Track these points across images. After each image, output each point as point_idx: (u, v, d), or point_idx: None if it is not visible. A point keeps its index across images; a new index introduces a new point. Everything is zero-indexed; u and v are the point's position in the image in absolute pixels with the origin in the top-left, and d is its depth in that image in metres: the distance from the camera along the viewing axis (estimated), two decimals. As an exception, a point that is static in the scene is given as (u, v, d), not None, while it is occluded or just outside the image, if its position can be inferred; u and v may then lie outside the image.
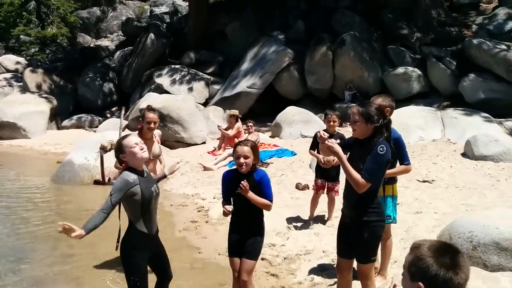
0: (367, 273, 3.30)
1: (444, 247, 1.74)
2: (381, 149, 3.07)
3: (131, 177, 3.14)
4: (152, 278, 3.47)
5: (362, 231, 3.19)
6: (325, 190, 5.87)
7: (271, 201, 3.52)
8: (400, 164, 4.07)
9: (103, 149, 3.40)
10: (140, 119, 4.87)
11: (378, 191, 3.24)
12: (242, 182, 3.37)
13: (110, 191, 3.08)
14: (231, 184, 3.54)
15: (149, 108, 5.01)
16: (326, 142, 3.26)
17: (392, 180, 4.04)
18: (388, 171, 4.02)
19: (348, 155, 3.34)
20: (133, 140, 3.26)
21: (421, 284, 1.68)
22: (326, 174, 5.76)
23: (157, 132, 5.06)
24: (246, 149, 3.46)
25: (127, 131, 8.50)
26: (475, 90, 12.55)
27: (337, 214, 5.30)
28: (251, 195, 3.41)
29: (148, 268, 3.38)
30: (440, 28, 15.46)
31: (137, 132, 4.83)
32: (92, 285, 4.61)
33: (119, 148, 3.26)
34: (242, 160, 3.45)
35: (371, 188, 3.14)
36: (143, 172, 3.29)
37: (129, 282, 3.20)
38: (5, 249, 5.68)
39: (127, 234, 3.24)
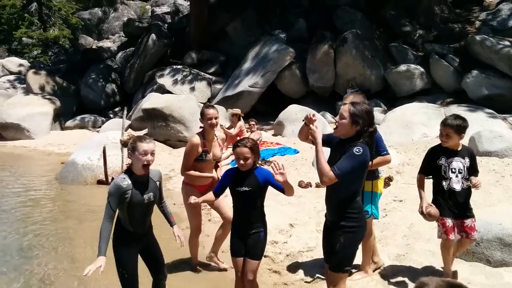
0: (337, 283, 3.13)
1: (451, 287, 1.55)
2: (357, 150, 2.96)
3: (125, 182, 3.24)
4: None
5: (339, 236, 3.09)
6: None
7: (282, 187, 3.41)
8: (379, 155, 4.04)
9: (123, 144, 3.42)
10: (200, 119, 4.59)
11: (357, 196, 3.12)
12: (275, 163, 3.27)
13: (107, 196, 3.21)
14: (234, 181, 3.54)
15: (207, 105, 4.68)
16: (311, 125, 3.17)
17: (372, 175, 3.96)
18: None
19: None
20: (147, 147, 3.28)
21: None
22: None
23: (219, 135, 4.76)
24: (245, 150, 3.45)
25: (130, 131, 8.51)
26: (478, 87, 12.49)
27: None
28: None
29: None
30: (443, 24, 15.40)
31: (199, 132, 4.55)
32: (97, 283, 4.62)
33: (132, 146, 3.31)
34: (241, 161, 3.47)
35: (350, 192, 3.06)
36: (143, 178, 3.33)
37: (118, 272, 3.37)
38: (10, 247, 5.73)
39: (115, 229, 3.35)
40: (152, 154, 3.30)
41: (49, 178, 9.75)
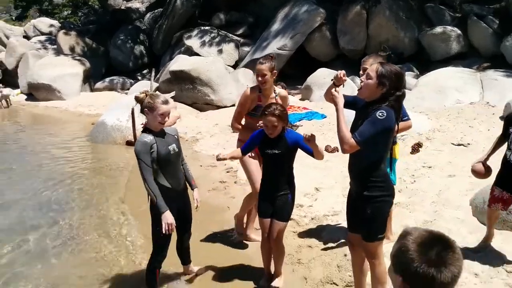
0: (373, 252, 3.03)
1: (433, 240, 1.50)
2: (380, 114, 2.75)
3: (148, 137, 3.30)
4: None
5: (365, 207, 2.95)
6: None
7: (311, 150, 3.38)
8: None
9: (138, 101, 3.44)
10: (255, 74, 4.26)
11: (382, 164, 2.94)
12: (309, 134, 3.21)
13: (137, 157, 3.25)
14: (264, 143, 3.53)
15: (260, 60, 4.22)
16: (332, 90, 2.98)
17: None
18: None
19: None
20: (166, 109, 3.33)
21: (400, 278, 1.50)
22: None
23: (281, 92, 4.34)
24: (273, 119, 3.39)
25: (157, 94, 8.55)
26: (518, 51, 11.89)
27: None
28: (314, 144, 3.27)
29: None
30: (483, -16, 14.58)
31: (256, 85, 4.27)
32: (121, 237, 4.77)
33: (150, 106, 3.33)
34: (269, 130, 3.43)
35: (373, 159, 2.90)
36: (161, 133, 3.39)
37: (154, 231, 3.42)
38: (43, 202, 6.05)
39: None
40: (168, 115, 3.37)
41: (80, 138, 10.01)
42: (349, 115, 2.94)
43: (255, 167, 4.21)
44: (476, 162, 3.96)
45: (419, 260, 1.44)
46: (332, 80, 3.13)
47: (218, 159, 3.55)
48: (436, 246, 1.47)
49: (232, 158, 3.70)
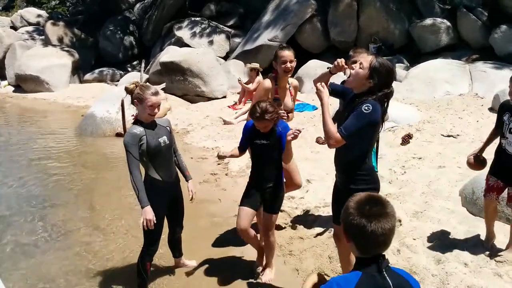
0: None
1: (368, 199, 1.76)
2: (366, 107, 2.74)
3: (138, 129, 3.27)
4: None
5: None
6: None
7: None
8: None
9: (128, 92, 3.39)
10: (273, 61, 4.07)
11: (367, 157, 2.94)
12: (296, 130, 3.24)
13: (125, 149, 3.21)
14: (254, 133, 3.51)
15: (283, 46, 4.13)
16: (318, 85, 2.94)
17: None
18: None
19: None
20: (155, 100, 3.28)
21: (345, 232, 1.77)
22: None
23: (293, 82, 4.24)
24: (264, 125, 3.38)
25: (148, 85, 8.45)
26: (506, 43, 11.94)
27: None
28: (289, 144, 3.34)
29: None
30: (473, -24, 14.62)
31: (272, 77, 4.12)
32: (111, 231, 4.74)
33: (140, 97, 3.29)
34: (262, 130, 3.43)
35: (358, 153, 2.90)
36: (152, 125, 3.36)
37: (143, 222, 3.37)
38: (32, 197, 5.93)
39: (144, 180, 3.34)
40: (158, 107, 3.32)
41: (69, 130, 9.90)
42: (333, 102, 2.92)
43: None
44: (470, 154, 3.99)
45: (354, 213, 1.72)
46: (328, 68, 3.11)
47: (219, 157, 3.54)
48: (370, 203, 1.73)
49: (232, 156, 3.64)
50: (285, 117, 3.68)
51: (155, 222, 3.25)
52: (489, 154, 3.93)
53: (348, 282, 1.67)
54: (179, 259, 3.93)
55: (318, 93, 2.95)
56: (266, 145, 3.46)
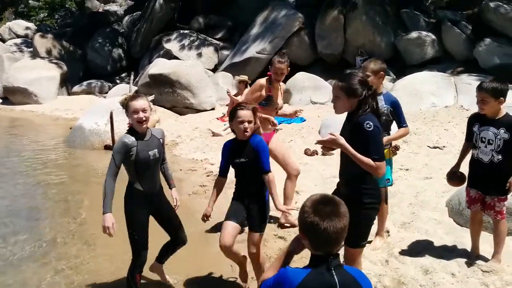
0: (352, 258, 3.02)
1: (323, 199, 1.88)
2: (367, 126, 2.81)
3: (129, 139, 3.27)
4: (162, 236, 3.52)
5: (355, 212, 2.86)
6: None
7: (268, 170, 3.36)
8: (398, 127, 4.13)
9: (121, 105, 3.40)
10: (269, 66, 4.77)
11: None
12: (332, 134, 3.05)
13: (112, 155, 3.25)
14: (232, 153, 3.46)
15: (281, 56, 4.66)
16: (331, 137, 2.93)
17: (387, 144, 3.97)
18: (388, 137, 4.01)
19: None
20: (137, 105, 3.25)
21: (301, 231, 1.89)
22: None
23: (283, 86, 5.01)
24: (249, 114, 3.33)
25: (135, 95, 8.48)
26: (490, 55, 12.24)
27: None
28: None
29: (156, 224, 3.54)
30: (457, -10, 14.95)
31: (267, 78, 4.74)
32: (104, 243, 4.71)
33: (126, 107, 3.32)
34: (246, 124, 3.32)
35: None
36: (145, 135, 3.35)
37: (129, 233, 3.43)
38: (20, 210, 5.87)
39: (126, 191, 3.40)
40: (144, 111, 3.25)
41: (57, 142, 9.84)
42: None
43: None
44: (448, 172, 4.02)
45: (309, 211, 1.83)
46: (321, 148, 3.26)
47: (205, 217, 3.59)
48: (324, 203, 1.85)
49: (215, 201, 3.59)
50: (275, 125, 3.92)
51: (114, 230, 3.25)
52: (465, 166, 3.99)
53: (297, 275, 1.81)
54: (160, 265, 3.79)
55: (335, 142, 2.93)
56: (244, 163, 3.40)
